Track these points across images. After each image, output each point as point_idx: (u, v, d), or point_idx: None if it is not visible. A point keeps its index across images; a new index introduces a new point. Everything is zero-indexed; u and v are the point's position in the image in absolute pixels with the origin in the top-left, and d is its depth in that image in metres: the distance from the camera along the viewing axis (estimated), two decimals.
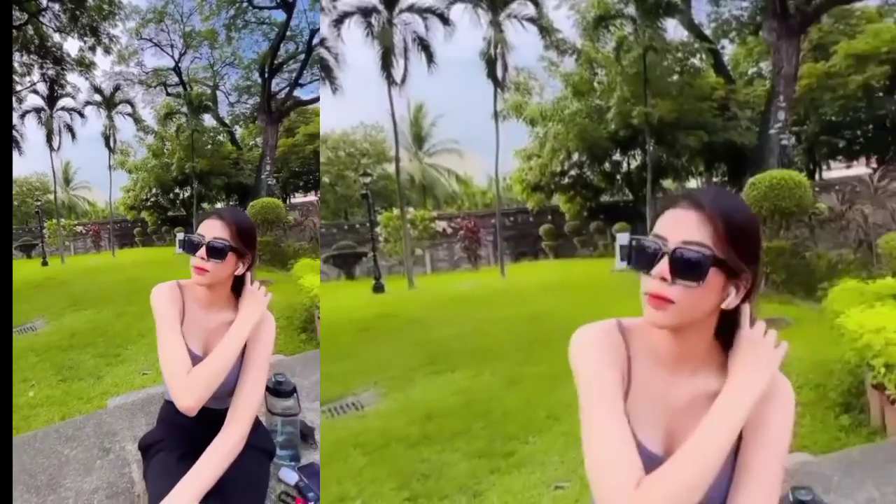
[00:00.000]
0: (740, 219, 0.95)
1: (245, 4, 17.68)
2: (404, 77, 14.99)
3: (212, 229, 1.57)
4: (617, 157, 19.37)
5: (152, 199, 21.04)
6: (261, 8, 17.76)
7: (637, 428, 1.01)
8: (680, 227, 0.94)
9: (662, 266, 0.93)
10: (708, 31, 17.70)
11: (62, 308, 7.93)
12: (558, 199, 21.01)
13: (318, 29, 16.44)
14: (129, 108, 19.89)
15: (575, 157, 19.29)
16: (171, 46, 19.12)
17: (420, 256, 20.50)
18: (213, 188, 20.07)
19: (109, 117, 19.23)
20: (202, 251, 1.54)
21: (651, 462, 0.98)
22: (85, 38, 17.23)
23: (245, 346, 1.60)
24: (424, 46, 15.17)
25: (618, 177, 19.54)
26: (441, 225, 21.92)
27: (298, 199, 21.25)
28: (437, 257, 21.57)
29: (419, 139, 31.39)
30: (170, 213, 21.19)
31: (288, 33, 17.44)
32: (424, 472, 3.60)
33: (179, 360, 1.52)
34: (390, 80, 14.68)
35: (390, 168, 20.01)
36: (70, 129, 18.87)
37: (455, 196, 33.61)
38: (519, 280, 13.37)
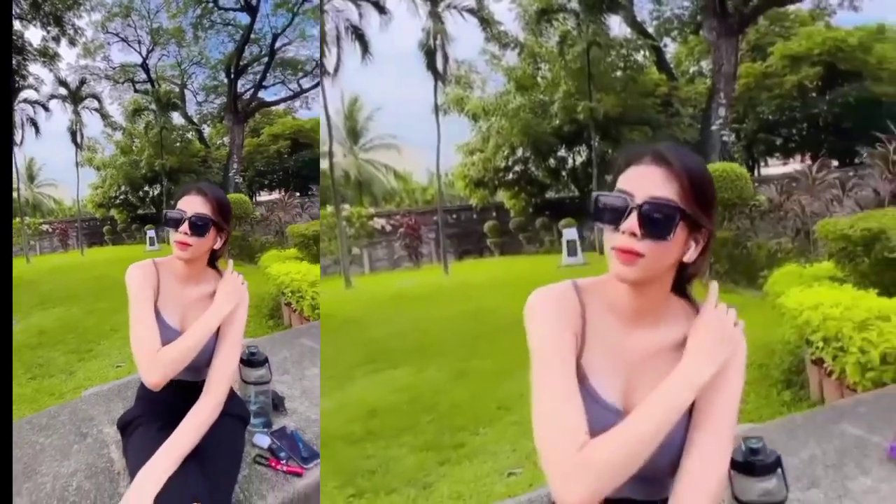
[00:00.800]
0: (702, 174, 0.99)
1: (211, 5, 18.38)
2: (337, 67, 14.77)
3: (193, 205, 1.65)
4: (562, 152, 19.76)
5: (121, 197, 21.38)
6: (226, 9, 18.61)
7: (595, 381, 1.04)
8: (646, 183, 0.97)
9: (631, 221, 0.95)
10: (650, 29, 18.48)
11: (30, 307, 7.85)
12: (503, 196, 21.27)
13: (281, 33, 17.93)
14: (95, 104, 20.10)
15: (519, 152, 19.54)
16: (139, 42, 19.75)
17: (357, 255, 20.26)
18: (182, 185, 20.84)
19: (76, 112, 19.32)
20: (185, 226, 1.62)
21: (609, 413, 1.01)
22: (48, 28, 16.80)
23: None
24: (359, 35, 15.01)
25: (563, 172, 19.95)
26: (379, 223, 21.69)
27: (264, 196, 22.05)
28: (376, 256, 21.32)
29: (354, 133, 31.01)
30: (139, 211, 21.84)
31: (252, 36, 18.42)
32: (369, 468, 3.56)
33: (147, 338, 1.61)
34: (322, 71, 14.48)
35: (324, 164, 20.05)
36: (34, 123, 18.42)
37: (393, 193, 33.42)
38: (463, 277, 13.47)
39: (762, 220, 6.62)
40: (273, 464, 1.93)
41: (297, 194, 16.84)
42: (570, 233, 13.47)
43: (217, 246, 1.72)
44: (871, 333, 2.72)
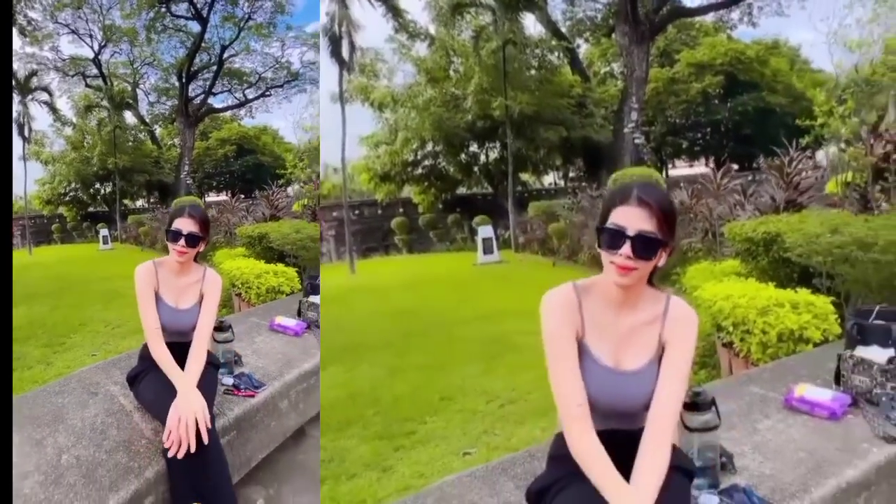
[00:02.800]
0: (670, 208, 1.59)
1: (163, 10, 20.31)
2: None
3: (186, 225, 2.54)
4: (474, 148, 20.65)
5: (72, 194, 22.15)
6: (178, 16, 20.75)
7: (595, 352, 1.64)
8: (634, 220, 1.52)
9: (627, 248, 1.51)
10: (563, 30, 19.82)
11: None
12: (411, 191, 21.78)
13: (229, 44, 20.93)
14: (45, 96, 20.82)
15: (430, 146, 20.13)
16: (90, 36, 21.11)
17: None
18: (134, 185, 22.08)
19: (23, 103, 19.73)
20: (182, 241, 2.53)
21: (605, 372, 1.62)
22: None
23: (202, 298, 2.67)
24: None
25: (475, 168, 20.83)
26: None
27: (212, 197, 24.15)
28: None
29: None
30: (90, 209, 22.56)
31: (203, 45, 20.86)
32: (323, 459, 3.96)
33: (150, 319, 2.56)
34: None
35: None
36: None
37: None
38: (372, 277, 13.82)
39: None
40: None
41: (242, 196, 17.68)
42: (485, 230, 14.08)
43: (201, 249, 2.65)
44: (770, 318, 3.56)
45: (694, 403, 1.95)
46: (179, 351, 2.49)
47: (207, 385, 2.44)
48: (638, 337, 1.64)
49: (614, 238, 1.54)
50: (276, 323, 4.20)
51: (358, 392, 5.30)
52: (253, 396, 2.95)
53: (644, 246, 1.52)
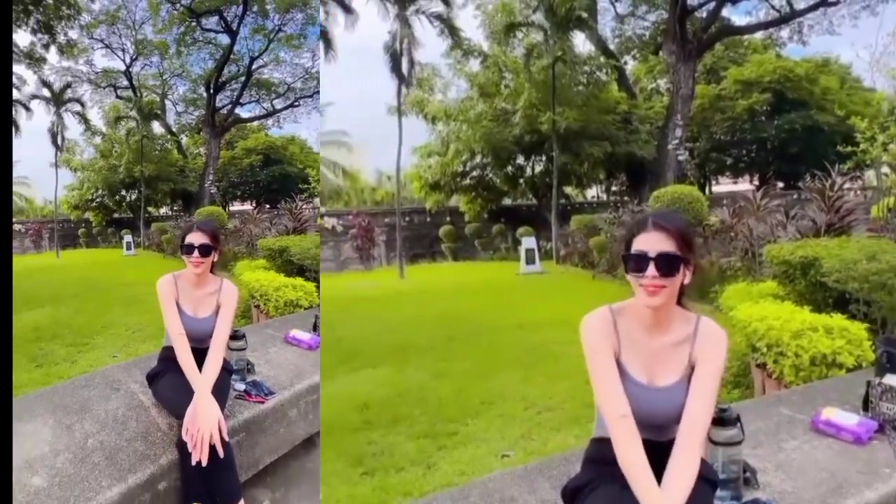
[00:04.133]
0: (687, 229, 1.72)
1: (194, 24, 20.69)
2: None
3: (198, 238, 2.75)
4: (521, 160, 20.75)
5: (98, 200, 22.61)
6: (208, 30, 21.15)
7: (630, 370, 1.76)
8: (654, 243, 1.67)
9: (651, 269, 1.65)
10: (612, 47, 19.73)
11: (18, 306, 8.39)
12: (458, 200, 22.00)
13: (258, 56, 21.08)
14: (78, 107, 21.31)
15: (479, 158, 20.32)
16: (123, 50, 21.84)
17: None
18: (159, 193, 22.41)
19: (58, 114, 20.32)
20: (196, 254, 2.73)
21: (640, 388, 1.74)
22: (38, 34, 17.33)
23: (219, 308, 2.81)
24: (322, 33, 15.57)
25: (521, 180, 20.90)
26: (330, 222, 21.95)
27: (236, 206, 24.22)
28: (322, 256, 21.59)
29: None
30: (115, 215, 23.13)
31: (231, 56, 21.04)
32: (374, 452, 4.15)
33: (174, 326, 2.70)
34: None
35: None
36: (14, 121, 18.48)
37: (339, 191, 33.56)
38: (419, 281, 14.02)
39: (714, 238, 7.63)
40: None
41: (267, 207, 17.91)
42: (528, 241, 14.19)
43: (215, 259, 2.83)
44: (803, 341, 3.58)
45: (720, 419, 2.04)
46: (197, 356, 2.66)
47: (220, 388, 2.59)
48: (669, 355, 1.75)
49: (638, 262, 1.68)
50: (291, 336, 4.23)
51: (406, 391, 5.47)
52: (263, 402, 3.06)
53: (667, 264, 1.66)
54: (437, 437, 4.34)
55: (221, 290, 2.85)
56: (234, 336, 3.22)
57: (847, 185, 6.45)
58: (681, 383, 1.72)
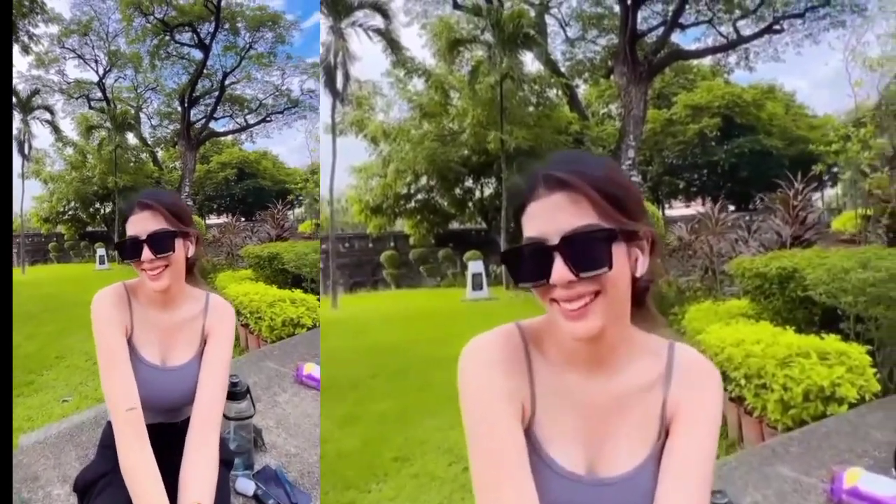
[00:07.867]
0: (610, 178, 0.87)
1: (167, 37, 20.69)
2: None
3: (144, 223, 1.46)
4: (469, 183, 20.14)
5: (70, 213, 21.88)
6: (181, 44, 21.21)
7: (552, 449, 0.92)
8: (554, 217, 0.84)
9: (559, 268, 0.83)
10: (563, 69, 19.56)
11: None
12: (403, 224, 21.17)
13: (231, 71, 21.50)
14: (47, 115, 20.88)
15: (423, 180, 19.68)
16: (96, 61, 21.52)
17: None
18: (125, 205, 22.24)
19: (25, 122, 19.76)
20: (146, 252, 1.43)
21: (572, 484, 0.90)
22: None
23: (205, 342, 1.57)
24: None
25: (469, 203, 20.27)
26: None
27: (213, 220, 24.01)
28: None
29: None
30: (89, 228, 22.25)
31: (205, 71, 21.19)
32: None
33: (119, 391, 1.42)
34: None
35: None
36: None
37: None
38: (354, 311, 13.14)
39: (671, 257, 6.98)
40: None
41: (243, 219, 17.65)
42: (475, 266, 13.56)
43: (190, 254, 1.54)
44: (793, 370, 2.81)
45: (231, 393, 1.77)
46: (166, 440, 1.45)
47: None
48: (626, 416, 0.95)
49: (536, 262, 0.86)
50: (305, 374, 3.04)
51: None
52: None
53: (585, 251, 0.83)
54: None
55: (208, 310, 1.58)
56: (232, 393, 1.88)
57: (813, 195, 5.89)
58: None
